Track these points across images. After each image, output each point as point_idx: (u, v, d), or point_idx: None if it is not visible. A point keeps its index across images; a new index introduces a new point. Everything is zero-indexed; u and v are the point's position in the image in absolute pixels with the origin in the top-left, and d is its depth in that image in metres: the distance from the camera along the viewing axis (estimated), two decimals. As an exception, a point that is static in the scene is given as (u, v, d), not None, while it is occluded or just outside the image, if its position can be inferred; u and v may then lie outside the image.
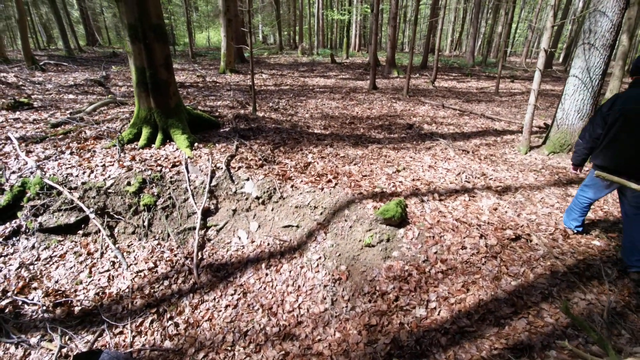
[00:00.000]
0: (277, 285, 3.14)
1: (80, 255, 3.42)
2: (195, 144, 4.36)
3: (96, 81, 7.76)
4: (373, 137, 5.62)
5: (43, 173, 3.69)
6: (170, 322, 2.85)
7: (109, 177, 3.69)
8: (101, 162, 3.90)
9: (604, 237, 3.07)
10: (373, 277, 2.90)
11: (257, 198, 3.75)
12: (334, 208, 3.47)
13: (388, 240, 3.07)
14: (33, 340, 2.66)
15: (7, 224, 3.50)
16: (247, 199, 3.78)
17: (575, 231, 3.06)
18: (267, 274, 3.25)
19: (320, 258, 3.22)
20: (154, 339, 2.72)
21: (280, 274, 3.24)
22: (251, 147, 4.53)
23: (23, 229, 3.51)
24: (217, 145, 4.45)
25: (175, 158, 4.10)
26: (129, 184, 3.66)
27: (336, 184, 3.76)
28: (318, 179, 3.91)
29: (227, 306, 2.96)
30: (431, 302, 2.57)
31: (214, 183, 3.86)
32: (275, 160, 4.36)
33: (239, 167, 3.99)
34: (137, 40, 3.83)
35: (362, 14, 18.92)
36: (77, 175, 3.70)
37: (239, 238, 3.60)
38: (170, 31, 27.09)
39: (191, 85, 8.17)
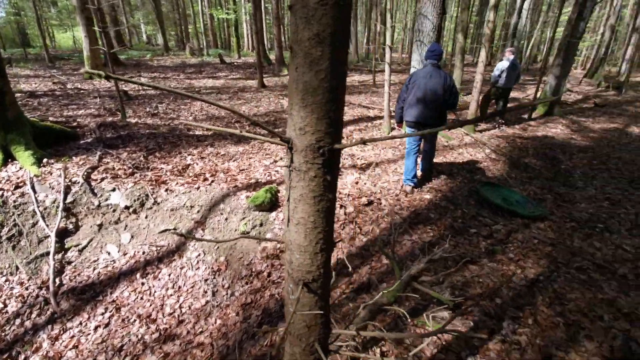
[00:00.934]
0: (155, 292, 3.07)
1: None
2: (45, 160, 3.84)
3: None
4: (257, 133, 5.80)
5: None
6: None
7: None
8: None
9: (432, 191, 3.89)
10: (250, 260, 3.09)
11: (127, 208, 3.54)
12: (210, 204, 3.53)
13: (261, 224, 3.30)
14: None
15: None
16: (114, 210, 3.54)
17: (413, 183, 3.82)
18: (143, 283, 3.14)
19: (199, 255, 3.26)
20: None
21: (159, 279, 3.17)
22: (119, 156, 4.21)
23: None
24: (74, 158, 4.01)
25: (18, 179, 3.56)
26: (-51, 216, 3.04)
27: (213, 182, 3.82)
28: (195, 179, 3.91)
29: (96, 327, 2.77)
30: (299, 271, 2.89)
31: (70, 200, 3.49)
32: (149, 166, 4.16)
33: (102, 179, 3.69)
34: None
35: (249, 12, 18.90)
36: None
37: (109, 253, 3.36)
38: (19, 31, 22.36)
39: (45, 94, 7.01)
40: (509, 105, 9.44)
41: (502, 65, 6.38)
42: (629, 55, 15.34)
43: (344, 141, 5.53)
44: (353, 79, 12.99)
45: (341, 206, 3.47)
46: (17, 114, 3.88)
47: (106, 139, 4.65)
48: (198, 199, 3.60)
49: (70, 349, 2.63)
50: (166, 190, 3.70)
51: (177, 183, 3.80)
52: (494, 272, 2.51)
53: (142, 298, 3.02)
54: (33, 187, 3.43)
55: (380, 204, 3.59)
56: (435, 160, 4.50)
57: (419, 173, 4.18)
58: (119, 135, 4.81)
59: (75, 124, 4.99)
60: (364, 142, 0.76)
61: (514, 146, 5.78)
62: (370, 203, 3.57)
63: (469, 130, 6.31)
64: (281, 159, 4.58)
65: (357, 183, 3.99)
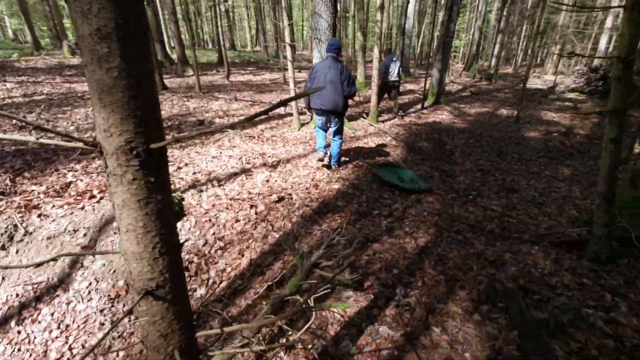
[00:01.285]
0: (36, 338, 2.58)
1: None
2: None
3: None
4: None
5: None
6: None
7: None
8: None
9: (340, 180, 4.12)
10: (155, 279, 2.82)
11: (-15, 243, 2.88)
12: (100, 224, 3.11)
13: (165, 237, 3.04)
14: None
15: None
16: (-34, 249, 2.84)
17: (324, 150, 4.26)
18: (20, 332, 2.61)
19: (90, 284, 2.84)
20: None
21: (39, 322, 2.68)
22: (-33, 181, 3.39)
23: None
24: None
25: None
26: None
27: (101, 198, 3.36)
28: (79, 198, 3.39)
29: None
30: (211, 279, 2.76)
31: None
32: (16, 190, 3.45)
33: (-58, 212, 2.92)
34: None
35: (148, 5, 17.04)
36: None
37: (-34, 303, 2.70)
38: None
39: None
40: (405, 97, 10.52)
41: (385, 63, 7.29)
42: (497, 52, 18.48)
43: (255, 141, 5.46)
44: (264, 77, 12.87)
45: (252, 206, 3.41)
46: None
47: (-53, 163, 3.68)
48: (83, 220, 3.13)
49: None
50: (39, 216, 3.12)
51: (53, 206, 3.23)
52: (393, 247, 2.78)
53: (19, 349, 2.51)
54: None
55: (292, 198, 3.64)
56: (343, 149, 4.76)
57: (330, 161, 4.52)
58: (-33, 156, 3.86)
59: None
60: (176, 139, 0.75)
61: (410, 133, 6.49)
62: (281, 199, 3.60)
63: (372, 121, 6.85)
64: (186, 165, 4.28)
65: (267, 181, 3.98)
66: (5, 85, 8.02)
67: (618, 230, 2.38)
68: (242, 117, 6.92)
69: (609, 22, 14.34)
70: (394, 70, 7.16)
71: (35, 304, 2.75)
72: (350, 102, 8.50)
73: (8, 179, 3.61)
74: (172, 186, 3.69)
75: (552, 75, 17.38)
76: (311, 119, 6.48)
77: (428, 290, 2.20)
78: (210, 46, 33.05)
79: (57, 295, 2.80)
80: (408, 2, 12.69)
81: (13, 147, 4.41)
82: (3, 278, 2.87)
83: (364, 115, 7.44)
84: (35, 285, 2.83)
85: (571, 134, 6.68)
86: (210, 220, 3.21)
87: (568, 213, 3.35)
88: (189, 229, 3.11)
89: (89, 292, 2.79)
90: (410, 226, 3.11)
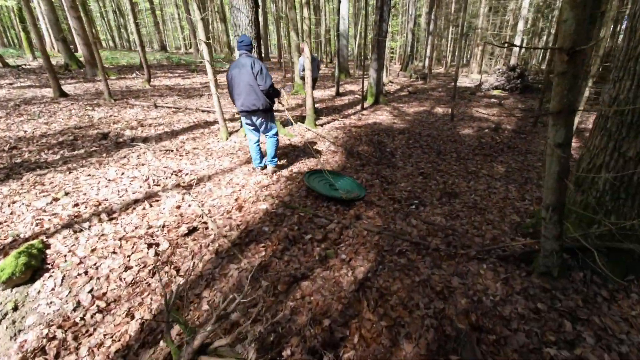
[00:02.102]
0: None
1: None
2: None
3: None
4: (40, 161, 4.20)
5: None
6: None
7: None
8: None
9: (269, 198, 3.53)
10: (-6, 372, 1.96)
11: None
12: None
13: (16, 307, 2.16)
14: None
15: None
16: None
17: (261, 165, 4.21)
18: None
19: None
20: None
21: None
22: None
23: None
24: None
25: None
26: None
27: None
28: None
29: None
30: (81, 361, 1.98)
31: None
32: None
33: None
34: None
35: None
36: None
37: None
38: None
39: None
40: (345, 98, 10.25)
41: (301, 60, 7.66)
42: (429, 53, 19.40)
43: (172, 155, 4.61)
44: (194, 80, 11.75)
45: (150, 245, 2.66)
46: None
47: None
48: None
49: None
50: None
51: None
52: (326, 284, 2.27)
53: None
54: None
55: (207, 228, 2.96)
56: (277, 158, 4.20)
57: (269, 168, 4.22)
58: None
59: None
60: None
61: (350, 136, 6.14)
62: (192, 231, 2.90)
63: (310, 125, 6.38)
64: (67, 194, 3.33)
65: (178, 207, 3.23)
66: None
67: (567, 241, 2.15)
68: (160, 127, 5.96)
69: (520, 26, 15.88)
70: (312, 66, 7.38)
71: None
72: (286, 103, 7.97)
73: None
74: (39, 227, 2.77)
75: (477, 74, 18.76)
76: (241, 127, 5.79)
77: (367, 346, 1.72)
78: (137, 48, 30.08)
79: None
80: (340, 2, 12.56)
81: None
82: None
83: (300, 119, 6.95)
84: None
85: (499, 129, 6.93)
86: (87, 272, 2.39)
87: (510, 218, 3.17)
88: (52, 289, 2.26)
89: None
90: (348, 252, 2.64)
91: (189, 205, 3.28)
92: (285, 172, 4.26)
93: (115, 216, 3.01)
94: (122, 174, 3.91)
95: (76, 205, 3.13)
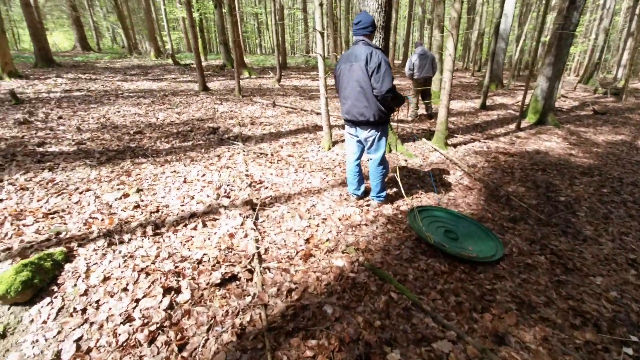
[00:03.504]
0: None
1: None
2: None
3: None
4: (154, 148, 4.28)
5: None
6: None
7: None
8: None
9: (352, 252, 2.36)
10: (-55, 420, 1.52)
11: None
12: None
13: (4, 334, 1.73)
14: None
15: None
16: None
17: (358, 194, 3.08)
18: None
19: None
20: None
21: None
22: None
23: None
24: None
25: None
26: None
27: (-24, 237, 2.26)
28: None
29: None
30: None
31: None
32: None
33: None
34: None
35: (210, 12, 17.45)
36: None
37: None
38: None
39: None
40: (494, 113, 8.07)
41: (411, 59, 6.26)
42: (625, 61, 14.16)
43: (262, 160, 3.99)
44: (315, 82, 11.57)
45: (167, 291, 1.91)
46: None
47: None
48: None
49: None
50: None
51: None
52: None
53: None
54: None
55: (249, 280, 2.04)
56: (385, 192, 3.00)
57: (374, 203, 3.10)
58: None
59: None
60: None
61: (495, 167, 4.31)
62: (228, 281, 2.03)
63: (438, 144, 4.84)
64: (139, 190, 3.03)
65: (231, 236, 2.45)
66: (57, 81, 8.23)
67: None
68: (268, 127, 5.60)
69: None
70: (422, 64, 6.16)
71: None
72: (407, 111, 6.58)
73: None
74: (86, 227, 2.43)
75: None
76: (349, 136, 4.80)
77: None
78: (296, 53, 33.58)
79: None
80: (507, -3, 10.02)
81: None
82: None
83: (427, 135, 5.45)
84: None
85: None
86: (85, 310, 1.80)
87: None
88: (44, 322, 1.74)
89: None
90: None
91: (245, 236, 2.46)
92: (387, 209, 3.00)
93: (161, 232, 2.45)
94: (202, 176, 3.49)
95: (136, 207, 2.75)
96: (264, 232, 2.57)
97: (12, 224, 2.40)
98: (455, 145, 5.13)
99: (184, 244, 2.33)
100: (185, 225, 2.54)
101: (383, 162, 2.83)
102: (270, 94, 8.63)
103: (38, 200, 2.79)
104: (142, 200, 2.85)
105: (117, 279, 1.96)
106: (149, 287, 1.93)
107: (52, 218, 2.53)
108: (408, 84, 11.19)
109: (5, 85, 7.31)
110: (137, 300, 1.85)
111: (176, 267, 2.09)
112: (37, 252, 2.08)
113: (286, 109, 7.03)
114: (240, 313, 1.80)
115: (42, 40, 10.60)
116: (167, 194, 3.02)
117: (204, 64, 14.82)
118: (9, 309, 1.81)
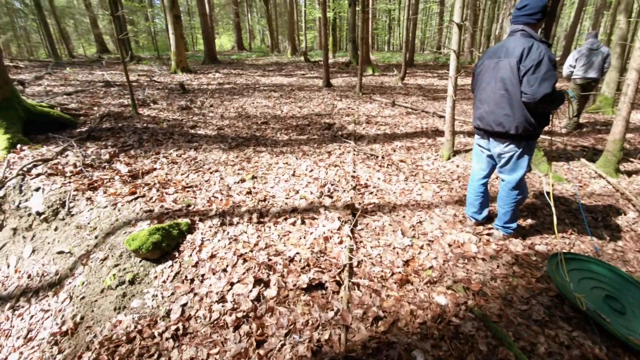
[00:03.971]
0: (9, 336, 2.29)
1: None
2: (20, 146, 3.63)
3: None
4: (274, 139, 4.67)
5: None
6: None
7: None
8: None
9: (459, 290, 1.94)
10: (93, 336, 1.96)
11: (40, 214, 2.91)
12: (108, 229, 2.57)
13: (132, 282, 2.11)
14: None
15: None
16: (29, 214, 2.96)
17: (476, 219, 2.55)
18: (8, 318, 2.41)
19: (65, 300, 2.32)
20: None
21: (23, 318, 2.39)
22: (86, 149, 3.73)
23: None
24: (45, 147, 3.70)
25: (-18, 162, 3.37)
26: None
27: (137, 197, 2.86)
28: (134, 189, 3.03)
29: None
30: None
31: (2, 194, 3.08)
32: (104, 166, 3.50)
33: (38, 175, 3.19)
34: None
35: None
36: None
37: (8, 266, 2.79)
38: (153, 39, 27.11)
39: (118, 85, 7.61)
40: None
41: (574, 53, 4.92)
42: None
43: (371, 162, 3.79)
44: (443, 82, 10.46)
45: (257, 282, 1.95)
46: (7, 97, 3.78)
47: (97, 130, 4.31)
48: (105, 219, 2.68)
49: None
50: (88, 199, 2.92)
51: (105, 192, 2.98)
52: None
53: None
54: (-23, 174, 3.16)
55: (336, 293, 1.91)
56: (515, 224, 2.42)
57: (497, 234, 2.48)
58: (112, 127, 4.43)
59: (82, 112, 4.90)
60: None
61: None
62: (315, 288, 1.94)
63: (607, 169, 3.63)
64: (254, 178, 3.29)
65: (326, 240, 2.37)
66: (214, 75, 9.92)
67: None
68: (383, 127, 5.36)
69: None
70: (589, 60, 4.80)
71: (31, 296, 2.50)
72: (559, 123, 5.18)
73: (112, 152, 3.73)
74: (209, 204, 2.77)
75: None
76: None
77: None
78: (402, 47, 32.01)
79: (47, 296, 2.44)
80: None
81: (144, 125, 4.84)
82: (34, 250, 2.81)
83: (589, 155, 4.18)
84: (44, 275, 2.60)
85: None
86: (192, 280, 2.02)
87: None
88: (164, 281, 2.04)
89: (62, 310, 2.27)
90: None
91: (340, 242, 2.34)
92: (516, 244, 2.39)
93: (264, 221, 2.58)
94: (310, 171, 3.55)
95: (248, 193, 2.99)
96: (360, 242, 2.39)
97: (158, 191, 2.96)
98: (630, 174, 3.76)
99: (281, 238, 2.38)
100: (286, 219, 2.60)
101: (520, 186, 2.23)
102: (391, 92, 8.31)
103: (182, 174, 3.36)
104: (254, 188, 3.09)
105: (220, 258, 2.14)
106: (244, 273, 2.03)
107: (187, 191, 2.99)
108: (562, 86, 8.97)
109: (178, 78, 9.31)
110: (232, 284, 1.96)
111: (269, 259, 2.14)
112: (170, 219, 2.48)
113: (405, 109, 6.61)
114: (320, 328, 1.69)
115: (211, 42, 13.09)
116: (275, 184, 3.19)
117: (331, 61, 15.52)
118: (140, 261, 2.21)
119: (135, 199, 2.84)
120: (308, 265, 2.10)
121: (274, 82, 9.39)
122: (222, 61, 14.03)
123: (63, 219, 2.86)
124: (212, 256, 2.16)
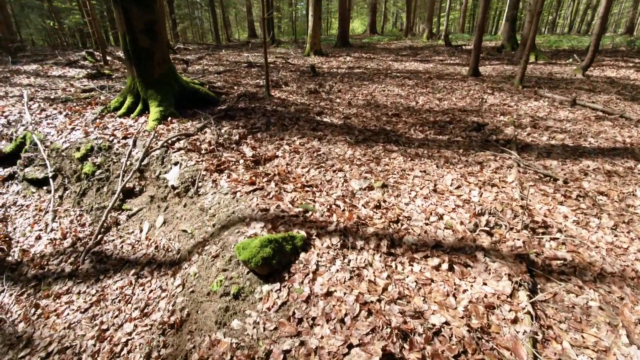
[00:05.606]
0: (131, 304, 2.41)
1: (36, 209, 3.59)
2: (170, 119, 3.98)
3: (182, 60, 8.63)
4: (406, 135, 3.93)
5: (36, 129, 4.06)
6: (31, 307, 2.56)
7: (68, 140, 3.72)
8: (76, 125, 4.00)
9: None
10: (192, 347, 1.76)
11: (174, 188, 3.03)
12: (225, 222, 2.39)
13: (237, 296, 1.81)
14: None
15: (9, 169, 4.03)
16: (166, 186, 3.12)
17: None
18: (132, 284, 2.55)
19: (179, 286, 2.26)
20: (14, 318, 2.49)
21: (144, 289, 2.48)
22: (221, 128, 3.81)
23: (16, 175, 3.96)
24: (190, 122, 3.95)
25: (133, 129, 3.81)
26: (77, 149, 3.59)
27: (255, 189, 2.62)
28: (254, 178, 2.85)
29: (84, 309, 2.44)
30: None
31: (146, 162, 3.36)
32: (232, 147, 3.47)
33: (179, 149, 3.35)
34: (116, 3, 3.65)
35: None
36: (52, 135, 3.90)
37: (140, 230, 3.01)
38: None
39: (257, 65, 8.04)
40: None
41: None
42: None
43: (549, 187, 2.65)
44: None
45: (395, 337, 1.35)
46: (164, 73, 4.16)
47: (232, 109, 4.42)
48: (223, 208, 2.54)
49: (56, 315, 2.44)
50: (214, 182, 2.88)
51: (229, 177, 2.88)
52: None
53: (119, 301, 2.44)
54: (135, 141, 3.55)
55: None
56: None
57: None
58: (246, 108, 4.47)
59: (224, 90, 5.13)
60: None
61: None
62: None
63: None
64: (384, 186, 2.65)
65: (489, 308, 1.56)
66: (345, 58, 9.54)
67: None
68: (561, 135, 3.91)
69: None
70: None
71: (153, 270, 2.58)
72: None
73: (241, 133, 3.71)
74: (329, 214, 2.29)
75: None
76: None
77: None
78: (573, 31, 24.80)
79: (166, 275, 2.48)
80: None
81: (274, 107, 4.73)
82: (165, 222, 2.93)
83: None
84: (168, 251, 2.67)
85: None
86: (300, 322, 1.57)
87: None
88: (269, 308, 1.67)
89: (174, 296, 2.23)
90: None
91: (514, 321, 1.50)
92: None
93: (395, 253, 1.94)
94: (457, 188, 2.69)
95: (377, 207, 2.38)
96: (548, 326, 1.50)
97: (276, 185, 2.66)
98: None
99: (419, 287, 1.70)
100: (426, 258, 1.90)
101: None
102: (567, 86, 6.25)
103: (302, 168, 3.02)
104: (385, 201, 2.46)
105: (338, 300, 1.62)
106: (367, 334, 1.45)
107: (307, 192, 2.61)
108: None
109: (310, 60, 9.33)
110: (350, 347, 1.42)
111: (405, 322, 1.50)
112: (285, 225, 2.11)
113: (594, 111, 4.76)
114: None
115: (345, 25, 12.83)
116: (411, 200, 2.48)
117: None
118: (247, 272, 1.89)
119: (253, 191, 2.61)
120: (465, 351, 1.37)
121: (407, 67, 8.41)
122: (354, 44, 13.68)
123: (191, 197, 2.90)
124: (328, 294, 1.66)
